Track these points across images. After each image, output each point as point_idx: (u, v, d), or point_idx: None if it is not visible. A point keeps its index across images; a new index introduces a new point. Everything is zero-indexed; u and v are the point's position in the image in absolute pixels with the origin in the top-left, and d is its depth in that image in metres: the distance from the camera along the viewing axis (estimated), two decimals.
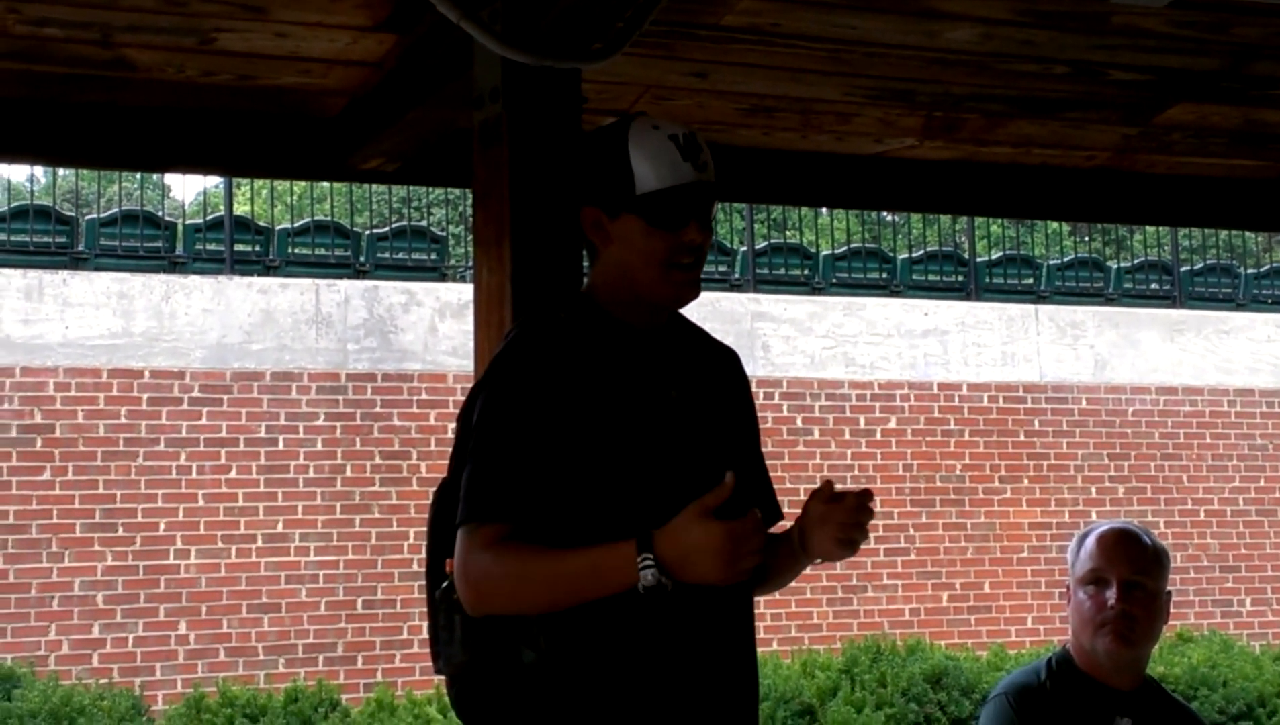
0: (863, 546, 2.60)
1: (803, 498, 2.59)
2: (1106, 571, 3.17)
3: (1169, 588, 3.27)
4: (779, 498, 2.81)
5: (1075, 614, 3.21)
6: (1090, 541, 3.23)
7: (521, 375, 2.51)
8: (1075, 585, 3.23)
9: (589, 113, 3.45)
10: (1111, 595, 3.14)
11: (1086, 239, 16.93)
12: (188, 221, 12.72)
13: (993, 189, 4.99)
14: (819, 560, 2.62)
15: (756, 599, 2.69)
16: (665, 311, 2.65)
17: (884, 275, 13.73)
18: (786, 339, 12.44)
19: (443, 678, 2.62)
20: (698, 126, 2.67)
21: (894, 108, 4.34)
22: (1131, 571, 3.16)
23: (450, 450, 2.60)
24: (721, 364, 2.76)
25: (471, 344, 3.34)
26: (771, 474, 2.83)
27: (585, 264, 3.13)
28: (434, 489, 2.67)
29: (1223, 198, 5.22)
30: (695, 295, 2.62)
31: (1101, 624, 3.14)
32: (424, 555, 2.68)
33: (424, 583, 2.66)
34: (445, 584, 2.53)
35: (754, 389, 2.84)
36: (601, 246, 2.61)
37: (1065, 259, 14.94)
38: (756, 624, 2.71)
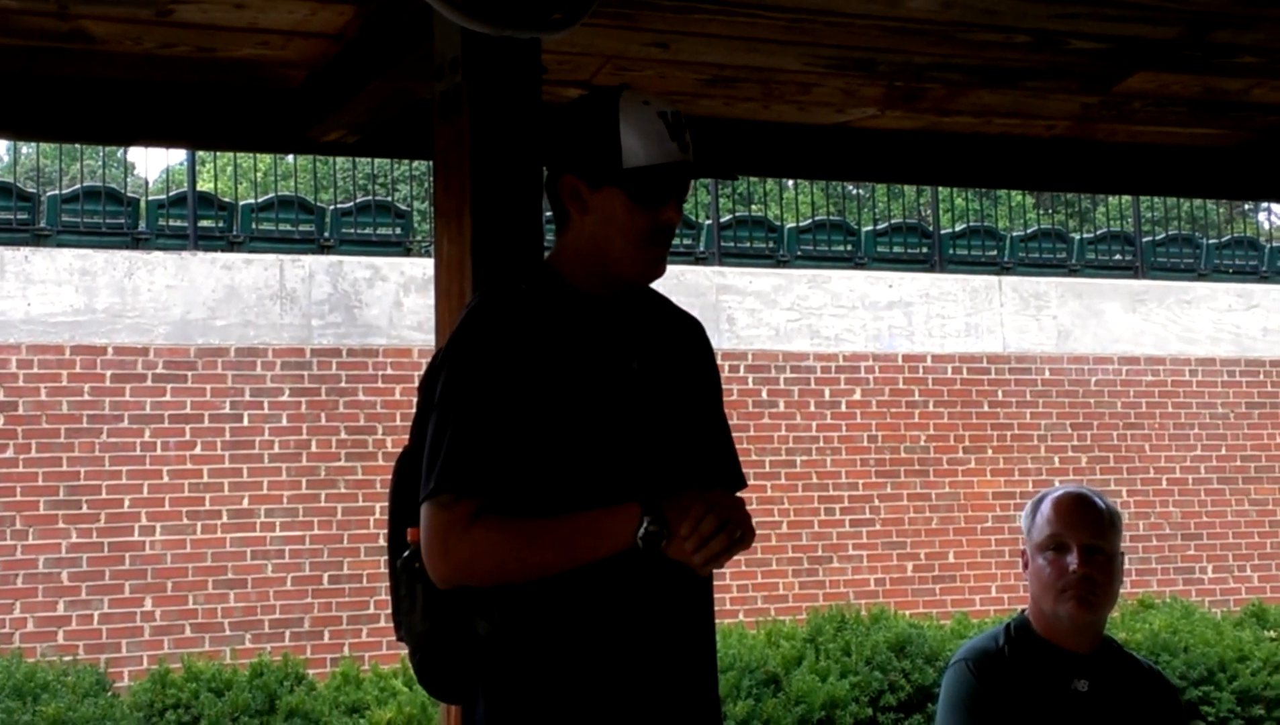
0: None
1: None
2: (1066, 536, 3.20)
3: (1122, 549, 3.31)
4: (745, 470, 2.82)
5: (1035, 579, 3.24)
6: (1046, 507, 3.27)
7: (484, 346, 2.50)
8: (1034, 551, 3.26)
9: (549, 83, 3.44)
10: (1073, 560, 3.17)
11: (1050, 211, 16.97)
12: (151, 197, 12.64)
13: (954, 159, 5.00)
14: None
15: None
16: (630, 284, 2.65)
17: (848, 248, 13.75)
18: (751, 312, 12.45)
19: (406, 649, 2.63)
20: (641, 91, 2.65)
21: (855, 77, 4.35)
22: (1090, 535, 3.20)
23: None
24: (685, 333, 2.76)
25: None
26: (737, 447, 2.84)
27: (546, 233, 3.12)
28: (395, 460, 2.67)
29: (1183, 166, 5.24)
30: (661, 272, 2.62)
31: (1064, 589, 3.17)
32: (386, 525, 2.68)
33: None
34: (407, 553, 2.53)
35: (719, 362, 2.84)
36: (576, 216, 2.60)
37: (1028, 231, 14.99)
38: (720, 596, 2.72)
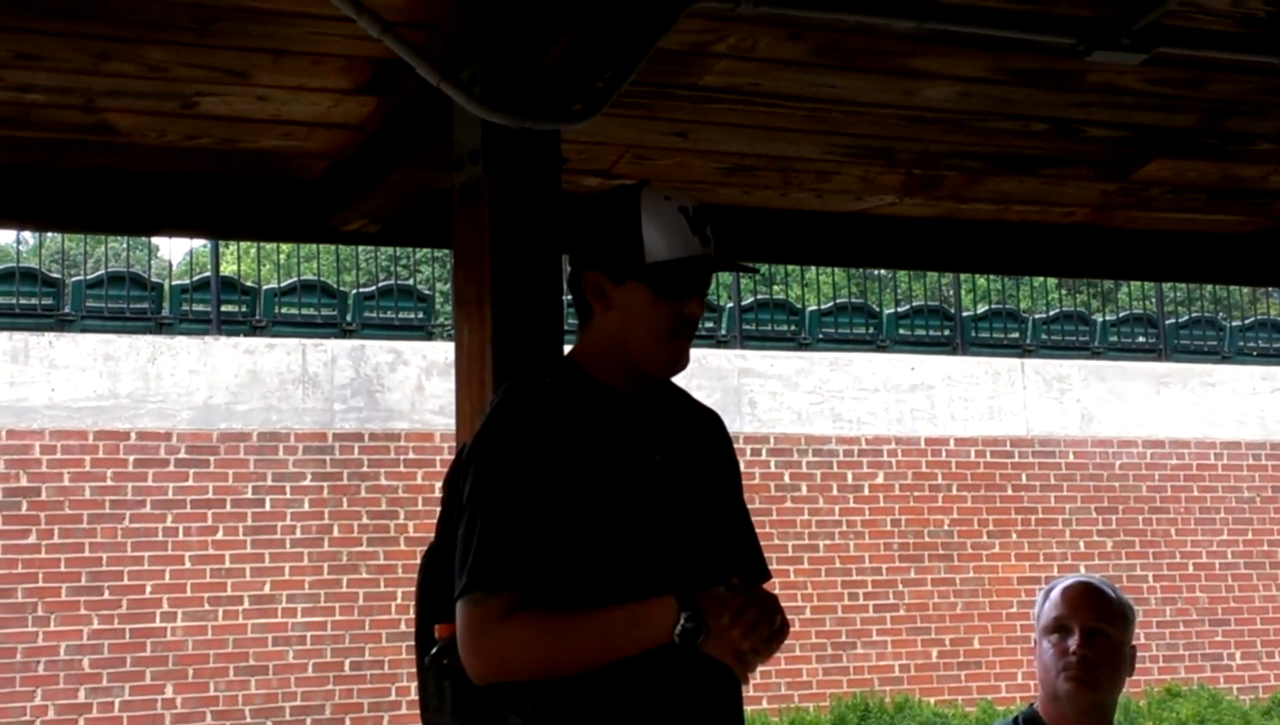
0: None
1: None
2: (1069, 620, 3.20)
3: (1134, 644, 3.29)
4: (767, 554, 2.81)
5: (1039, 663, 3.25)
6: (1055, 593, 3.28)
7: (511, 441, 2.50)
8: (1040, 636, 3.27)
9: (569, 173, 3.47)
10: (1073, 642, 3.18)
11: (1073, 291, 16.97)
12: (174, 282, 12.73)
13: (974, 245, 5.00)
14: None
15: None
16: (648, 380, 2.66)
17: (870, 330, 13.77)
18: (773, 395, 12.45)
19: None
20: (678, 186, 2.68)
21: (873, 165, 4.36)
22: (1093, 619, 3.20)
23: (438, 512, 2.60)
24: (704, 426, 2.77)
25: None
26: (759, 530, 2.84)
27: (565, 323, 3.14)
28: (422, 552, 2.67)
29: (1202, 252, 5.24)
30: (685, 366, 2.63)
31: (1063, 668, 3.17)
32: (413, 621, 2.68)
33: (411, 643, 2.65)
34: (435, 650, 2.52)
35: (741, 445, 2.86)
36: (600, 311, 2.61)
37: (1050, 313, 14.99)
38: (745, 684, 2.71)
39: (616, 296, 2.58)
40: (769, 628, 2.39)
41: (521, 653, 2.42)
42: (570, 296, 2.70)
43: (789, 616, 2.52)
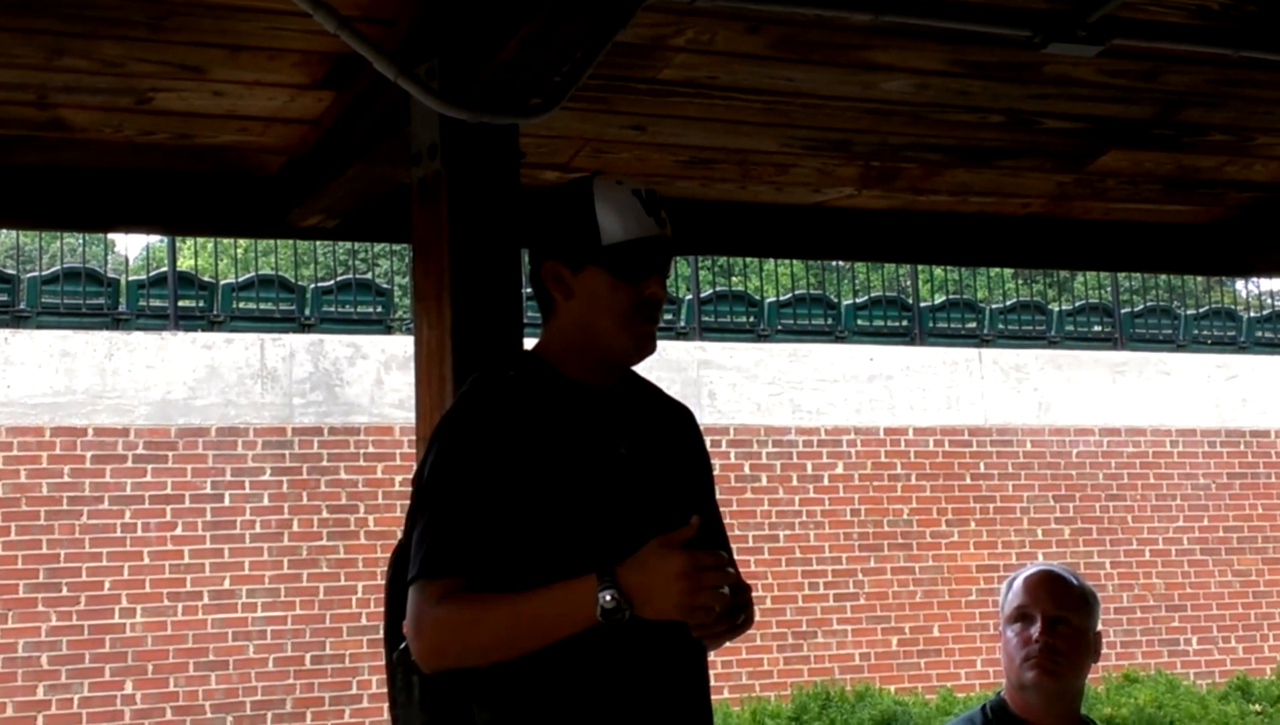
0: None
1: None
2: (1031, 608, 3.22)
3: (1099, 629, 3.31)
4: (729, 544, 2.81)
5: (1004, 652, 3.27)
6: (1017, 583, 3.30)
7: (470, 432, 2.50)
8: (1004, 625, 3.28)
9: (527, 167, 3.47)
10: (1036, 630, 3.19)
11: (1029, 281, 17.06)
12: (131, 278, 12.65)
13: (931, 237, 5.02)
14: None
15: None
16: (619, 369, 2.66)
17: (829, 321, 13.80)
18: (733, 386, 12.47)
19: None
20: (614, 175, 2.68)
21: (832, 158, 4.38)
22: (1055, 607, 3.22)
23: (400, 506, 2.60)
24: (674, 420, 2.76)
25: None
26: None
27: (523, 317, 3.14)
28: (387, 549, 2.66)
29: (1157, 243, 5.28)
30: (652, 350, 2.63)
31: (1026, 657, 3.19)
32: (382, 618, 2.68)
33: (374, 636, 2.65)
34: (403, 646, 2.52)
35: (701, 430, 2.84)
36: (562, 300, 2.61)
37: (1008, 303, 15.06)
38: (709, 673, 2.72)
39: (576, 284, 2.58)
40: (719, 576, 2.32)
41: (452, 635, 2.42)
42: (532, 291, 2.69)
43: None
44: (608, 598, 2.31)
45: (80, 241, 12.83)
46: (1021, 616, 3.24)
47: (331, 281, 12.73)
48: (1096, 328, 14.81)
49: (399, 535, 2.66)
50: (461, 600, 2.41)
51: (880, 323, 13.94)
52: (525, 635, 2.41)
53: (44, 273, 11.96)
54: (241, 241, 13.04)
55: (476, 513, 2.44)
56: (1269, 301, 16.99)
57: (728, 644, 2.62)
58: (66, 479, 10.44)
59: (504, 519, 2.45)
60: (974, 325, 14.31)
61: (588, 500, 2.52)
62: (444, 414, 2.59)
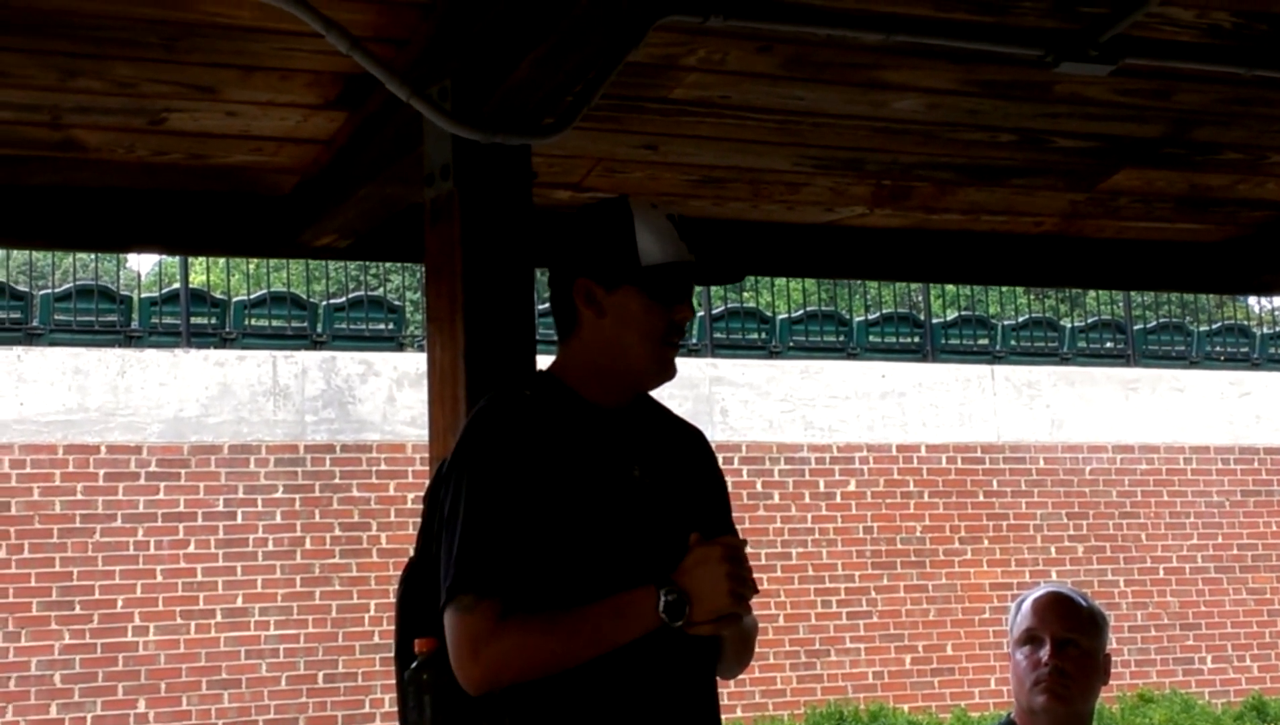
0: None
1: (765, 563, 2.63)
2: (1040, 630, 3.21)
3: (1109, 650, 3.30)
4: None
5: (1013, 675, 3.26)
6: (1026, 604, 3.28)
7: (493, 449, 2.51)
8: (1013, 647, 3.27)
9: (540, 187, 3.47)
10: (1045, 653, 3.18)
11: (1041, 297, 17.04)
12: (143, 295, 12.68)
13: (943, 256, 5.01)
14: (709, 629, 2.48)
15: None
16: (634, 391, 2.66)
17: (841, 338, 13.80)
18: (745, 403, 12.46)
19: None
20: (646, 197, 2.70)
21: (843, 177, 4.37)
22: (1064, 629, 3.20)
23: (413, 523, 2.60)
24: (686, 443, 2.78)
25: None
26: None
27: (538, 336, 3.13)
28: (400, 568, 2.66)
29: (1170, 261, 5.26)
30: (673, 375, 2.65)
31: (1036, 681, 3.17)
32: (393, 635, 2.68)
33: (386, 654, 2.65)
34: (415, 664, 2.52)
35: (714, 451, 2.85)
36: (592, 319, 2.61)
37: (1020, 319, 15.04)
38: (719, 693, 2.72)
39: (609, 303, 2.59)
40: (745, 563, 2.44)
41: (517, 655, 2.43)
42: (551, 309, 2.70)
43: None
44: (671, 596, 2.38)
45: (93, 259, 12.84)
46: (1030, 639, 3.22)
47: (343, 298, 12.76)
48: (1109, 344, 14.79)
49: (411, 553, 2.66)
50: (523, 620, 2.43)
51: (892, 339, 13.93)
52: (589, 647, 2.44)
53: (57, 290, 11.99)
54: (253, 258, 13.07)
55: (509, 530, 2.46)
56: None
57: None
58: (79, 497, 10.45)
59: (531, 537, 2.46)
60: (986, 342, 14.29)
61: (602, 521, 2.53)
62: (464, 431, 2.59)
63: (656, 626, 2.40)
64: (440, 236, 3.20)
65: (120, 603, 10.40)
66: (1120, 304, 15.35)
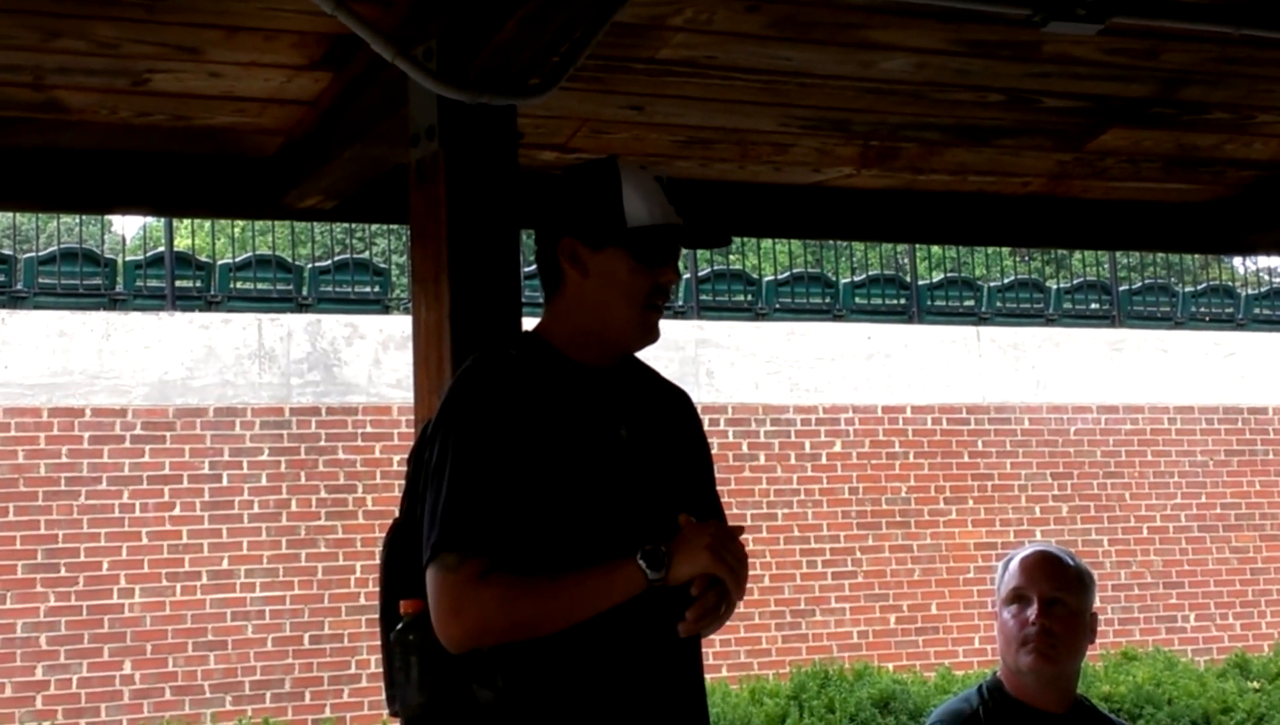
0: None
1: (750, 523, 2.62)
2: (1027, 590, 3.22)
3: (1095, 609, 3.31)
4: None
5: (1000, 634, 3.27)
6: (1013, 563, 3.30)
7: (479, 409, 2.50)
8: (1000, 606, 3.28)
9: (525, 147, 3.46)
10: (1032, 612, 3.19)
11: (1027, 259, 17.05)
12: (128, 258, 12.64)
13: (930, 216, 5.01)
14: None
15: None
16: (618, 352, 2.66)
17: (827, 300, 13.80)
18: (731, 364, 12.46)
19: (396, 718, 2.61)
20: (635, 158, 2.69)
21: (830, 137, 4.36)
22: (1051, 588, 3.21)
23: (398, 485, 2.59)
24: (672, 404, 2.77)
25: None
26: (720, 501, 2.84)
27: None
28: (384, 529, 2.66)
29: (1157, 221, 5.26)
30: (656, 337, 2.64)
31: (1024, 641, 3.19)
32: (378, 596, 2.67)
33: (372, 616, 2.65)
34: (401, 625, 2.52)
35: (699, 414, 2.85)
36: (576, 278, 2.60)
37: (1005, 280, 15.06)
38: (703, 651, 2.73)
39: (594, 263, 2.58)
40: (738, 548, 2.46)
41: (499, 615, 2.42)
42: (537, 269, 2.69)
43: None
44: (656, 549, 2.40)
45: (77, 222, 12.79)
46: (1018, 598, 3.23)
47: (329, 261, 12.73)
48: (1094, 305, 14.81)
49: (396, 515, 2.65)
50: (507, 579, 2.42)
51: (878, 301, 13.94)
52: (573, 610, 2.44)
53: (41, 253, 11.95)
54: (238, 222, 13.02)
55: (496, 488, 2.45)
56: (1267, 279, 17.00)
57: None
58: (64, 460, 10.43)
59: (517, 496, 2.46)
60: (972, 303, 14.31)
61: (589, 480, 2.53)
62: (449, 390, 2.58)
63: (641, 591, 2.41)
64: (425, 197, 3.19)
65: (106, 565, 10.39)
66: (1105, 265, 15.37)
